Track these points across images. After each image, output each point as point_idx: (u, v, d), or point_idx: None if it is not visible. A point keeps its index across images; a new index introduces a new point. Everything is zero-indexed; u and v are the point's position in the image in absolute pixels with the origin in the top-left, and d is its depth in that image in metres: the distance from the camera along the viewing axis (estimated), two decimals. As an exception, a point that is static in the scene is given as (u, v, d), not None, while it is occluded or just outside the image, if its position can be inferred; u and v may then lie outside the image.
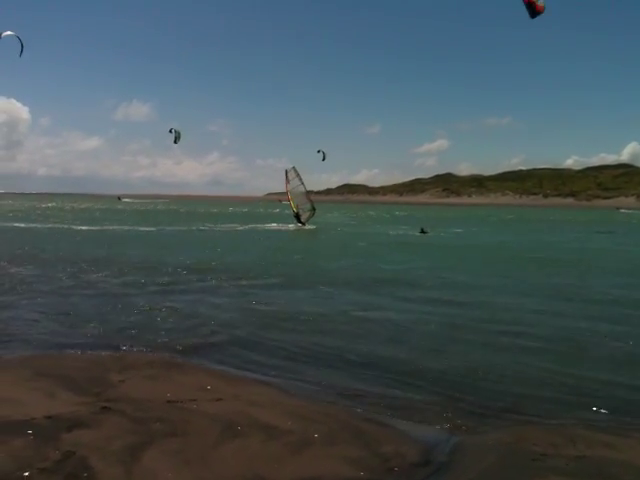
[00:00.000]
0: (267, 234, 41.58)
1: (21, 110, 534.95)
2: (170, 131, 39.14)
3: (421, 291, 16.37)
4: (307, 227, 48.95)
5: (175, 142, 33.53)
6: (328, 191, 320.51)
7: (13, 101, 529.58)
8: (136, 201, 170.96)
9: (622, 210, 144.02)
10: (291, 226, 49.88)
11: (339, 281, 17.76)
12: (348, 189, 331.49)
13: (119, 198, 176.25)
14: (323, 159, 52.70)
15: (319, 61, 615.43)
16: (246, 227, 49.85)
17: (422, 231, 42.86)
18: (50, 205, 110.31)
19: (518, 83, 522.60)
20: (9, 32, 24.25)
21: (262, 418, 6.44)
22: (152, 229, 43.51)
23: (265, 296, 14.93)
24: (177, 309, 12.87)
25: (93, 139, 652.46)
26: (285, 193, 50.15)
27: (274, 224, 53.31)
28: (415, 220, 64.83)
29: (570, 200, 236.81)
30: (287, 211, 62.03)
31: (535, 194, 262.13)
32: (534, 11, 14.21)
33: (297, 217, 49.77)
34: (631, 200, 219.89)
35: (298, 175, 48.93)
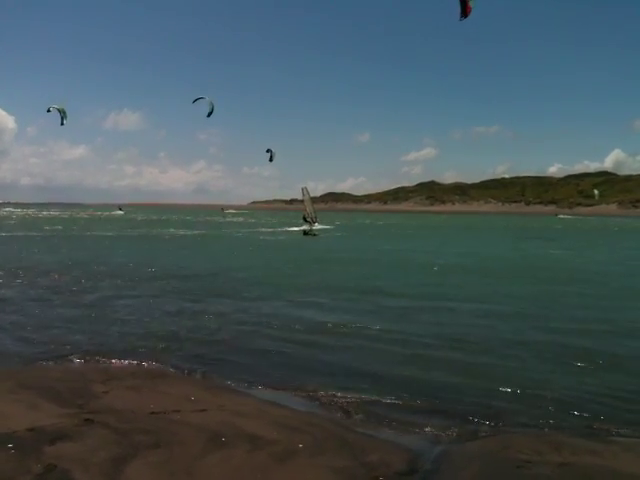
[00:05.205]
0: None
1: (7, 119, 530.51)
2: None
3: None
4: (319, 227, 61.47)
5: (62, 124, 33.60)
6: (313, 199, 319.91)
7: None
8: (17, 210, 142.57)
9: (560, 216, 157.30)
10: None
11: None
12: (332, 197, 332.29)
13: None
14: (270, 159, 51.97)
15: (309, 70, 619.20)
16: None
17: (305, 233, 52.30)
18: None
19: (507, 93, 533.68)
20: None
21: (247, 428, 6.40)
22: None
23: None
24: (150, 316, 12.78)
25: (79, 148, 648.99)
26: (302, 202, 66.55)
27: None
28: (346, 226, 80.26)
29: (552, 207, 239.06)
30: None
31: (517, 202, 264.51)
32: (464, 12, 14.11)
33: (305, 219, 61.54)
34: (612, 207, 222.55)
35: (308, 192, 65.86)
